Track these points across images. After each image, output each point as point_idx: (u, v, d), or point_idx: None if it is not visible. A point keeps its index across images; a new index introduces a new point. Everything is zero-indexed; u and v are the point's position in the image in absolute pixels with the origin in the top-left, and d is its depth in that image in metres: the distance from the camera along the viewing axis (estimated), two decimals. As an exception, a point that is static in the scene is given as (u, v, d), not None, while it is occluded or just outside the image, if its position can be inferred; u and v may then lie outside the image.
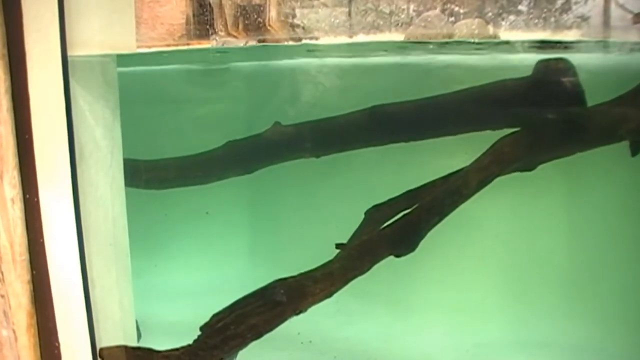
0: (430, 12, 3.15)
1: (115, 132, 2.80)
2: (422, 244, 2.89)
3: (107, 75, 2.75)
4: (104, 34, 2.55)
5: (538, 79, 2.90)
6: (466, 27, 3.01)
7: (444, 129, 3.17)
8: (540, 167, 2.97)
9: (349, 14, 3.22)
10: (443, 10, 3.09)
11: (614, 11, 2.89)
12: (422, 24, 3.12)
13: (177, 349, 2.65)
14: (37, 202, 2.30)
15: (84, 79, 2.54)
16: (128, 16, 2.70)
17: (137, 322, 3.34)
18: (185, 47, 3.32)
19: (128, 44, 2.72)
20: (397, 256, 2.85)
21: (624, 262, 3.49)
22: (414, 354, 3.56)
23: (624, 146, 2.89)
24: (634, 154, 2.87)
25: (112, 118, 2.77)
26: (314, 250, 2.77)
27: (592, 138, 2.89)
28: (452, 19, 3.06)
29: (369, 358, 3.54)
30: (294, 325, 2.79)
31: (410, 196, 2.96)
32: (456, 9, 3.07)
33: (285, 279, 2.72)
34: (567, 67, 2.86)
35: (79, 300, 2.46)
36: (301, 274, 2.75)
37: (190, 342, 2.65)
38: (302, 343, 3.60)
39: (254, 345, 2.71)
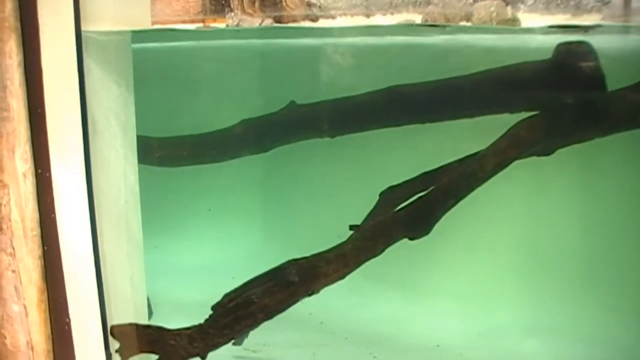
0: (449, -8, 3.11)
1: (129, 108, 2.78)
2: (437, 227, 2.87)
3: (121, 51, 2.72)
4: (118, 8, 2.53)
5: (558, 62, 2.86)
6: (485, 9, 2.97)
7: (461, 111, 3.14)
8: (557, 152, 2.93)
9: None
10: (462, -9, 3.05)
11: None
12: (441, 4, 3.08)
13: (188, 328, 2.64)
14: (49, 177, 2.28)
15: (97, 54, 2.51)
16: (142, -8, 2.67)
17: (148, 299, 3.34)
18: (201, 25, 3.31)
19: (143, 20, 2.69)
20: (411, 239, 2.83)
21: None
22: (424, 337, 3.56)
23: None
24: (653, 140, 2.84)
25: (125, 94, 2.74)
26: (328, 231, 2.76)
27: (611, 123, 2.85)
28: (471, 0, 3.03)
29: (379, 340, 3.54)
30: (305, 306, 2.77)
31: (426, 178, 2.93)
32: (475, -11, 3.03)
33: (298, 259, 2.70)
34: (587, 51, 2.81)
35: (90, 276, 2.45)
36: (314, 255, 2.72)
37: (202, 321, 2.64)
38: (313, 323, 3.60)
39: (265, 325, 2.70)
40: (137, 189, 2.87)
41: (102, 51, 2.57)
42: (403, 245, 2.86)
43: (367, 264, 2.80)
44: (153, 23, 3.18)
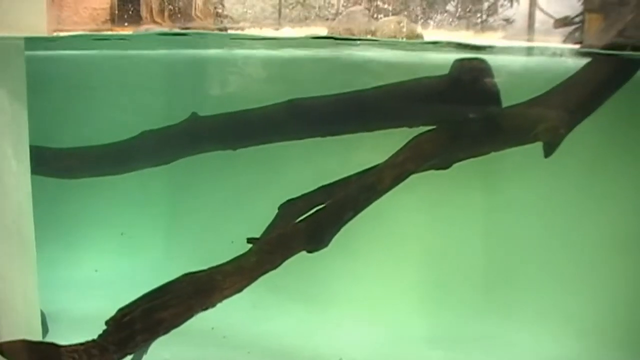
0: (354, 8, 3.15)
1: (21, 118, 2.70)
2: (341, 239, 2.88)
3: (13, 58, 2.65)
4: (9, 15, 2.46)
5: (454, 78, 2.91)
6: (388, 25, 3.01)
7: (361, 124, 3.16)
8: (457, 165, 2.99)
9: (279, 6, 3.21)
10: (368, 7, 3.09)
11: (538, 15, 2.95)
12: (345, 19, 3.12)
13: (82, 344, 2.57)
14: None
15: (-15, 62, 2.44)
16: (37, -2, 2.60)
17: (44, 316, 3.25)
18: (109, 33, 3.26)
19: (37, 27, 2.62)
20: (310, 252, 2.83)
21: (538, 259, 3.55)
22: (328, 349, 3.56)
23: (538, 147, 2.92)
24: (547, 155, 2.91)
25: (18, 104, 2.67)
26: (230, 243, 2.75)
27: (506, 138, 2.92)
28: (379, 15, 3.07)
29: (283, 353, 3.53)
30: (208, 320, 2.75)
31: (324, 191, 2.93)
32: (381, 5, 3.07)
33: (194, 272, 2.66)
34: (483, 67, 2.87)
35: (-24, 291, 2.37)
36: (211, 268, 2.69)
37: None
38: (216, 338, 3.56)
39: (166, 340, 2.66)
40: (30, 201, 2.79)
41: (-9, 59, 2.50)
42: (308, 257, 2.86)
43: (271, 276, 2.79)
44: (59, 30, 3.11)
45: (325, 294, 3.84)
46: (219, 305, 2.71)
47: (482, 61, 2.90)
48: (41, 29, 2.64)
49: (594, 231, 3.42)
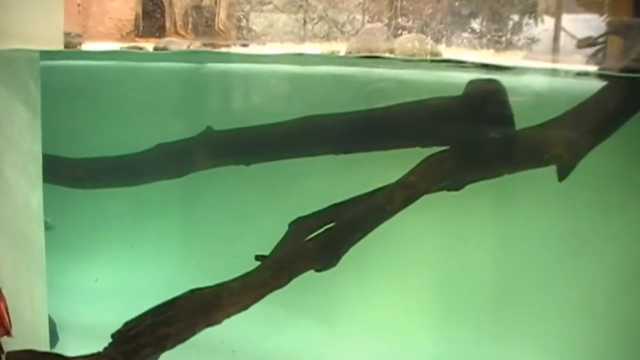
0: (374, 25, 3.14)
1: (35, 128, 2.73)
2: (352, 257, 2.87)
3: (28, 68, 2.67)
4: (26, 27, 2.48)
5: (468, 99, 2.88)
6: (413, 42, 3.00)
7: (374, 143, 3.14)
8: (469, 186, 2.96)
9: (304, 21, 3.21)
10: (389, 24, 3.08)
11: (562, 35, 2.92)
12: (365, 36, 3.10)
13: (86, 356, 2.58)
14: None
15: (1, 72, 2.46)
16: (55, 9, 2.63)
17: (55, 325, 3.27)
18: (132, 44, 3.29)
19: (53, 40, 2.65)
20: (318, 270, 2.81)
21: (550, 282, 3.50)
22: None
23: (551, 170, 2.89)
24: (560, 178, 2.87)
25: (32, 114, 2.69)
26: (242, 257, 2.74)
27: (518, 160, 2.89)
28: (402, 31, 3.06)
29: (291, 370, 3.52)
30: (218, 333, 2.75)
31: (335, 210, 2.92)
32: (402, 22, 3.07)
33: (200, 289, 2.66)
34: (497, 88, 2.84)
35: (-16, 299, 2.38)
36: (218, 285, 2.69)
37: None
38: (224, 352, 3.55)
39: (174, 353, 2.66)
40: (41, 209, 2.81)
41: (6, 69, 2.52)
42: (320, 275, 2.85)
43: (282, 292, 2.78)
44: (85, 41, 3.14)
45: (335, 311, 3.80)
46: (229, 319, 2.71)
47: (496, 82, 2.87)
48: (57, 43, 2.66)
49: (606, 256, 3.36)
